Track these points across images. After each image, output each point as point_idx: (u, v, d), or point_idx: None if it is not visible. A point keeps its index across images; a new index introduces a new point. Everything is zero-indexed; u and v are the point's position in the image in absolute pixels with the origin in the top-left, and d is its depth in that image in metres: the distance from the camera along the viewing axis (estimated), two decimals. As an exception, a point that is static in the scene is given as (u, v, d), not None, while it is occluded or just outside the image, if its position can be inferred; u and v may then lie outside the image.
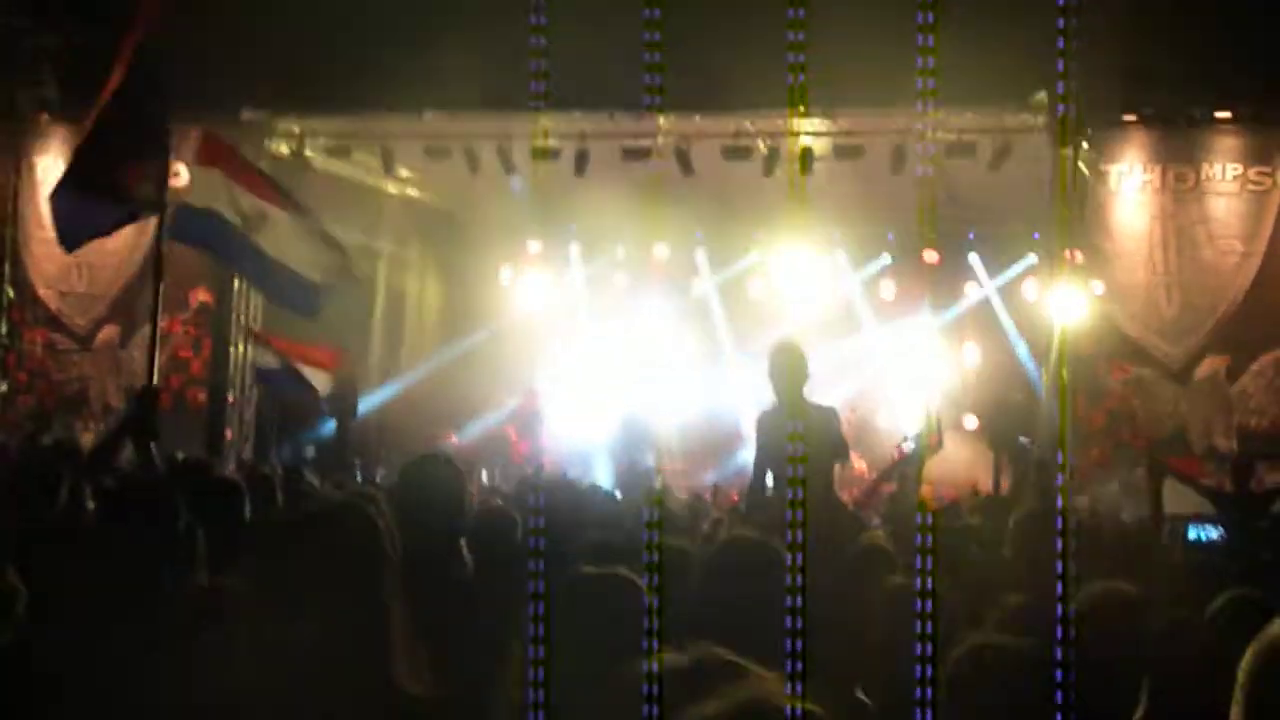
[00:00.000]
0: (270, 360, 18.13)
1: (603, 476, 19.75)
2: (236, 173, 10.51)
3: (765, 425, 9.69)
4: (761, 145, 19.65)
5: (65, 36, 19.22)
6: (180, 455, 11.79)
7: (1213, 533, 12.28)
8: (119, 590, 4.22)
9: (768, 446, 9.59)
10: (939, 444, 21.36)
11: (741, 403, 23.83)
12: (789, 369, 9.41)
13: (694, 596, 4.83)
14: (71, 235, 9.64)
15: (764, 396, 9.86)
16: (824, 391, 9.78)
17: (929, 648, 3.91)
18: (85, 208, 9.15)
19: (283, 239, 10.58)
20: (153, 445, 7.70)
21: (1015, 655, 4.24)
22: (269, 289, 11.66)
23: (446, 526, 5.35)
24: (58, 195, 9.23)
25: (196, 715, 3.50)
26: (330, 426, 20.82)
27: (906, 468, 20.83)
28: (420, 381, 24.95)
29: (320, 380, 17.73)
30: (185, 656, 3.79)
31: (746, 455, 12.69)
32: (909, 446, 21.08)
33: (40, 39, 19.44)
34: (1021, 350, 23.26)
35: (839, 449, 10.26)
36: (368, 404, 22.48)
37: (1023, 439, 18.24)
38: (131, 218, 9.59)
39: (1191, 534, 13.05)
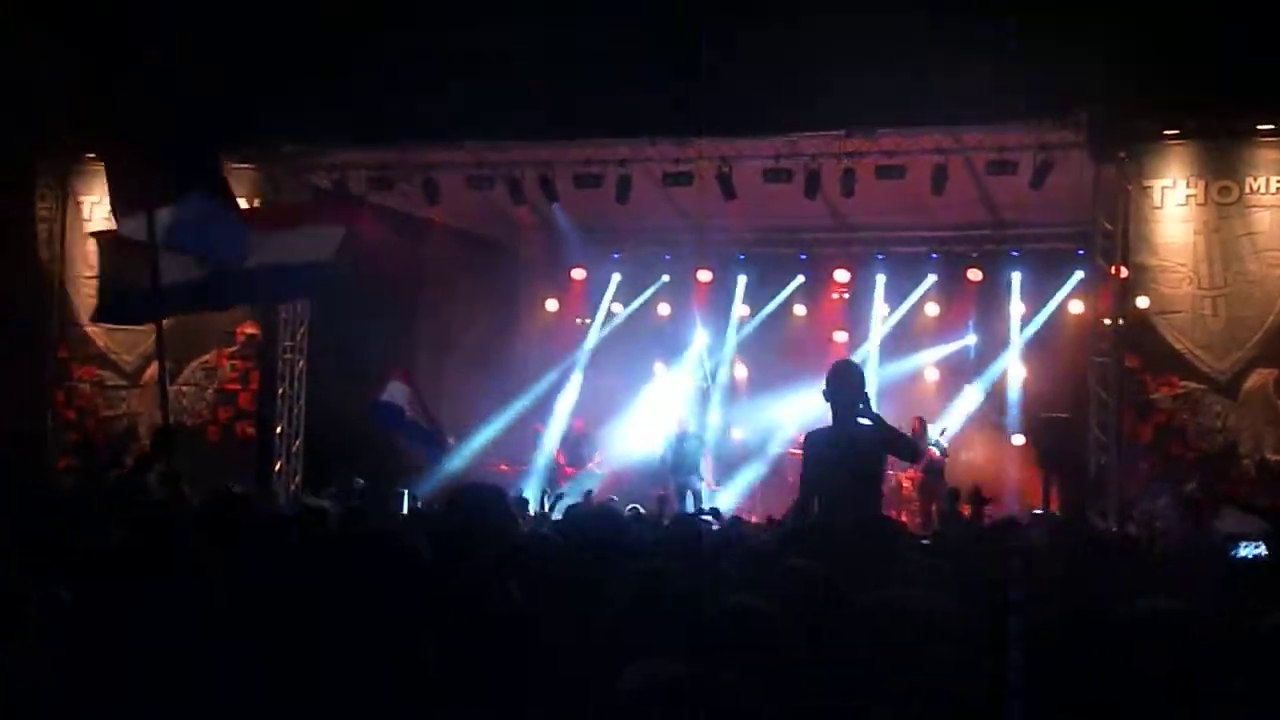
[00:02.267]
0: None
1: (651, 502, 19.72)
2: None
3: (814, 445, 9.64)
4: (802, 167, 19.64)
5: (110, 76, 19.35)
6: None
7: (1263, 550, 12.20)
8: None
9: (816, 466, 9.54)
10: (941, 456, 21.78)
11: (787, 425, 23.85)
12: (845, 387, 9.37)
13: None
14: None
15: (821, 416, 9.80)
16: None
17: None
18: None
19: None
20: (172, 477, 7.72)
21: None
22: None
23: (493, 555, 5.33)
24: None
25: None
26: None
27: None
28: (466, 409, 25.01)
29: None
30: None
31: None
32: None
33: (85, 79, 19.59)
34: (1067, 367, 23.17)
35: (905, 452, 10.33)
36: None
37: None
38: None
39: (1242, 552, 12.97)
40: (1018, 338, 24.99)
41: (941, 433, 23.04)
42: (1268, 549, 10.90)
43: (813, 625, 4.63)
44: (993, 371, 25.29)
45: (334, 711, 3.17)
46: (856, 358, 23.98)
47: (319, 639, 3.21)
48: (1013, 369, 24.99)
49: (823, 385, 9.53)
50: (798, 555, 5.69)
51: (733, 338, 27.13)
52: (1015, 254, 24.60)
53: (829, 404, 9.42)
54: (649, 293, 27.26)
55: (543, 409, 26.50)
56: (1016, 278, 24.77)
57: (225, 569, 4.73)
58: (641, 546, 7.28)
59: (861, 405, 9.25)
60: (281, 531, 6.89)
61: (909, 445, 10.57)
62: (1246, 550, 11.87)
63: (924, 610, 4.68)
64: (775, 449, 24.58)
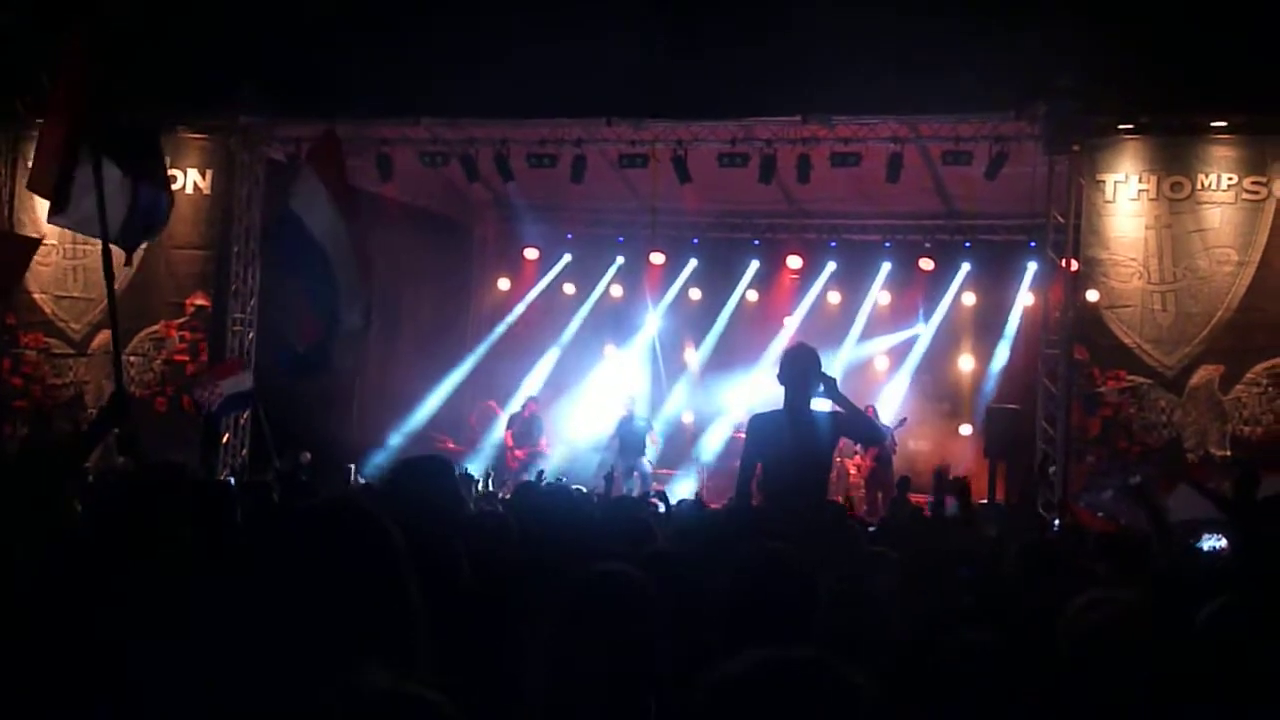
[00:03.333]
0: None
1: (598, 482, 19.78)
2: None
3: (760, 426, 9.60)
4: (758, 152, 19.67)
5: (61, 37, 19.17)
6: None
7: (1223, 542, 12.25)
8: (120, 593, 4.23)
9: (760, 447, 9.50)
10: (891, 448, 21.93)
11: (736, 408, 23.89)
12: (800, 371, 9.33)
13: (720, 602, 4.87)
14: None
15: (771, 400, 9.76)
16: (820, 400, 9.62)
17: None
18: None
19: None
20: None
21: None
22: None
23: (441, 527, 5.30)
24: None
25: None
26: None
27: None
28: (415, 387, 24.99)
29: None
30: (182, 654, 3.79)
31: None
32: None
33: (35, 40, 19.41)
34: (1017, 358, 23.27)
35: (865, 436, 10.39)
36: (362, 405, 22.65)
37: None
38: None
39: (1205, 544, 13.01)
40: (967, 328, 25.13)
41: (902, 423, 23.10)
42: (1227, 541, 10.93)
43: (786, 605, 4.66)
44: (941, 361, 25.38)
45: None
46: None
47: (283, 614, 3.18)
48: (962, 359, 25.11)
49: (777, 368, 9.53)
50: (764, 537, 5.70)
51: (665, 319, 27.15)
52: (967, 245, 24.68)
53: (782, 386, 9.40)
54: (608, 275, 27.22)
55: (492, 387, 26.52)
56: (967, 268, 24.86)
57: (177, 542, 4.69)
58: (590, 530, 7.28)
59: (823, 388, 9.23)
60: (226, 504, 6.82)
61: (870, 429, 10.59)
62: (1208, 543, 11.91)
63: (882, 595, 4.71)
64: (724, 432, 24.63)
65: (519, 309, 27.52)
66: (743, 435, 19.59)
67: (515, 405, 25.52)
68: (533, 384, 26.35)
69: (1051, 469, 18.08)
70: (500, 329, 27.43)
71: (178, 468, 8.26)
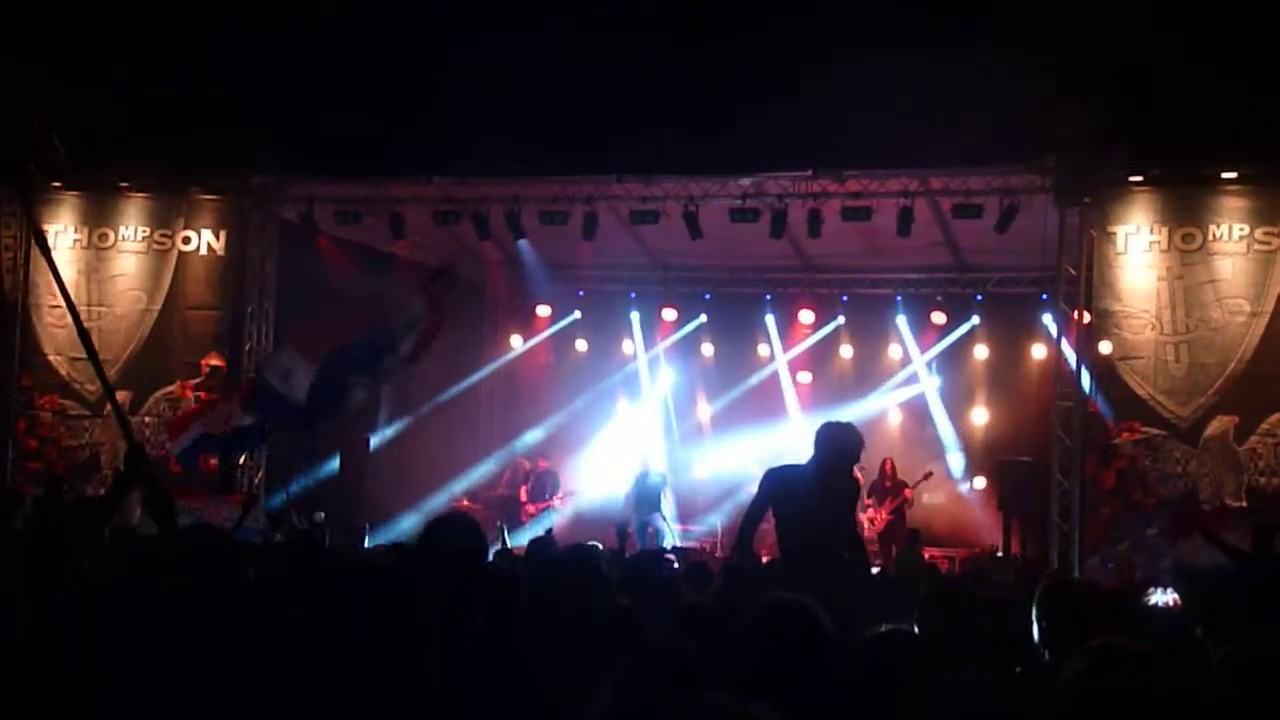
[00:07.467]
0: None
1: (613, 538, 19.75)
2: None
3: (780, 475, 9.66)
4: (769, 207, 19.70)
5: (75, 105, 19.32)
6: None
7: (1173, 597, 12.21)
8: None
9: (774, 495, 9.59)
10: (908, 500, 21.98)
11: (750, 464, 23.85)
12: (838, 456, 9.45)
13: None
14: None
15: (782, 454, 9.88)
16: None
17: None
18: None
19: None
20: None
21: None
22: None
23: (464, 585, 5.34)
24: None
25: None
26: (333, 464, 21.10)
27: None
28: (429, 444, 25.01)
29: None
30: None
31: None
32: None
33: (50, 108, 19.52)
34: (1029, 411, 23.21)
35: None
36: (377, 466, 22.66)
37: None
38: None
39: (1153, 599, 12.93)
40: (980, 380, 25.10)
41: (926, 477, 22.97)
42: (1179, 595, 10.89)
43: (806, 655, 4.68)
44: (954, 414, 25.33)
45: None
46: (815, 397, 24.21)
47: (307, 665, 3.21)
48: (975, 412, 25.05)
49: (816, 438, 9.62)
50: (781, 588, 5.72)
51: (677, 374, 27.21)
52: (979, 298, 24.68)
53: (823, 453, 9.51)
54: (621, 331, 27.23)
55: (507, 444, 26.55)
56: (979, 321, 24.83)
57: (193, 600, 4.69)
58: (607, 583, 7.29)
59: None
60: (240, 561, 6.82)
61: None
62: (1156, 597, 11.86)
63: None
64: (738, 488, 24.59)
65: (527, 363, 27.64)
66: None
67: (527, 462, 25.53)
68: (545, 440, 26.36)
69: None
70: (511, 385, 27.59)
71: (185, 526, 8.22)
